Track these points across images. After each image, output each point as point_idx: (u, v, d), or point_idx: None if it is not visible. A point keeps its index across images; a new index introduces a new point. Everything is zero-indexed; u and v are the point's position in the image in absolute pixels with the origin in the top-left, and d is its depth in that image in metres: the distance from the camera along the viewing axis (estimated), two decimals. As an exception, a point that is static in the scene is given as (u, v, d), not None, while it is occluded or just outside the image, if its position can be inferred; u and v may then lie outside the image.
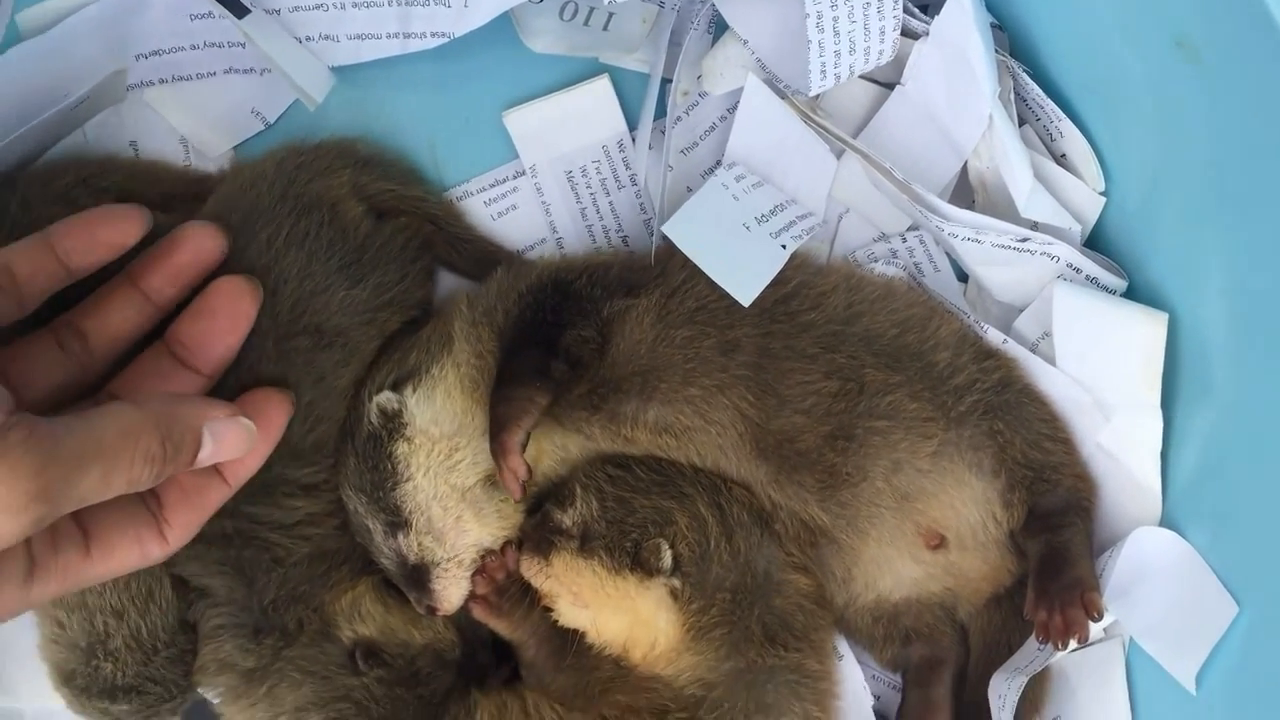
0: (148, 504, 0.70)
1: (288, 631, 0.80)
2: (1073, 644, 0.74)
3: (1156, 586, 0.78)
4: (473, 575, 0.82)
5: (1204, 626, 0.76)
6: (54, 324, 0.71)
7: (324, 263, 0.81)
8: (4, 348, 0.71)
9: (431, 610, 0.82)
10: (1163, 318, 0.78)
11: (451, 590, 0.81)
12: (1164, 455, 0.80)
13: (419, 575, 0.81)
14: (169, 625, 0.80)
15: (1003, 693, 0.78)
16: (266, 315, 0.78)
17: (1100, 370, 0.80)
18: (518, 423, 0.75)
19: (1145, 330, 0.78)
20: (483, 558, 0.82)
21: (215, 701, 0.83)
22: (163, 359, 0.73)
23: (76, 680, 0.80)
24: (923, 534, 0.80)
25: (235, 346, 0.74)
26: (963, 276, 0.89)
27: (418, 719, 0.81)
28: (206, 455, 0.67)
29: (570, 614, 0.82)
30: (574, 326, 0.78)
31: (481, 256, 0.89)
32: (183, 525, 0.71)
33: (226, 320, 0.73)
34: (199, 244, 0.74)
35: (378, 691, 0.80)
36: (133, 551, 0.69)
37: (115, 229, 0.70)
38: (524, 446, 0.76)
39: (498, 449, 0.76)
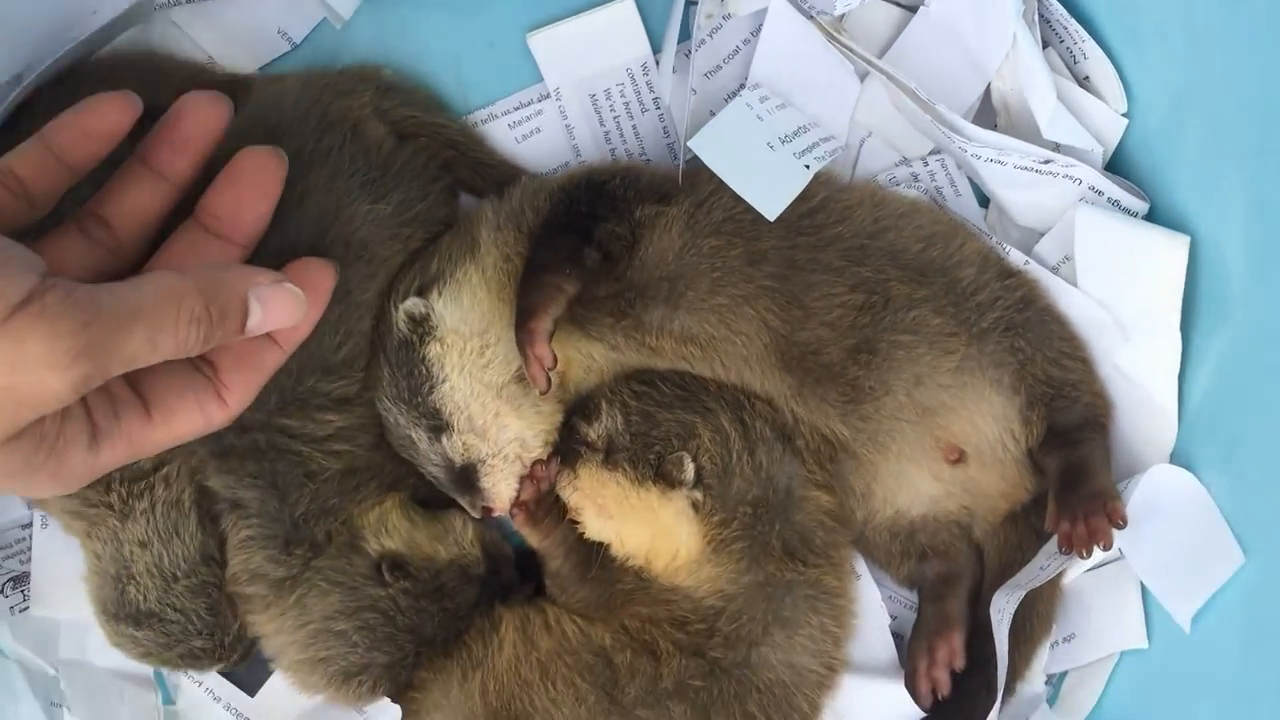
0: (203, 370, 0.69)
1: (316, 543, 0.81)
2: (1097, 552, 0.75)
3: (1165, 526, 0.80)
4: (521, 480, 0.82)
5: (1208, 571, 0.77)
6: (76, 215, 0.71)
7: (347, 179, 0.82)
8: (29, 241, 0.71)
9: (486, 511, 0.82)
10: (1184, 240, 0.78)
11: (501, 486, 0.82)
12: (1180, 377, 0.81)
13: (467, 476, 0.81)
14: (190, 557, 0.81)
15: (1001, 607, 0.79)
16: (294, 227, 0.79)
17: (1121, 293, 0.81)
18: (545, 310, 0.76)
19: (1166, 253, 0.79)
20: (532, 465, 0.82)
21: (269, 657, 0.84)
22: (195, 232, 0.72)
23: (108, 607, 0.82)
24: (942, 449, 0.81)
25: (266, 215, 0.73)
26: (984, 201, 0.90)
27: (442, 630, 0.83)
28: (256, 323, 0.67)
29: (595, 526, 0.83)
30: (608, 221, 0.79)
31: (504, 180, 0.90)
32: (241, 388, 0.70)
33: (254, 189, 0.72)
34: (200, 112, 0.73)
35: (403, 603, 0.81)
36: (194, 415, 0.69)
37: (103, 118, 0.69)
38: (551, 335, 0.76)
39: (524, 337, 0.76)
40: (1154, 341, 0.80)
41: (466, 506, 0.83)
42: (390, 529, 0.83)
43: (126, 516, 0.80)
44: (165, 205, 0.73)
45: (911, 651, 0.85)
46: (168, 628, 0.82)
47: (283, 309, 0.68)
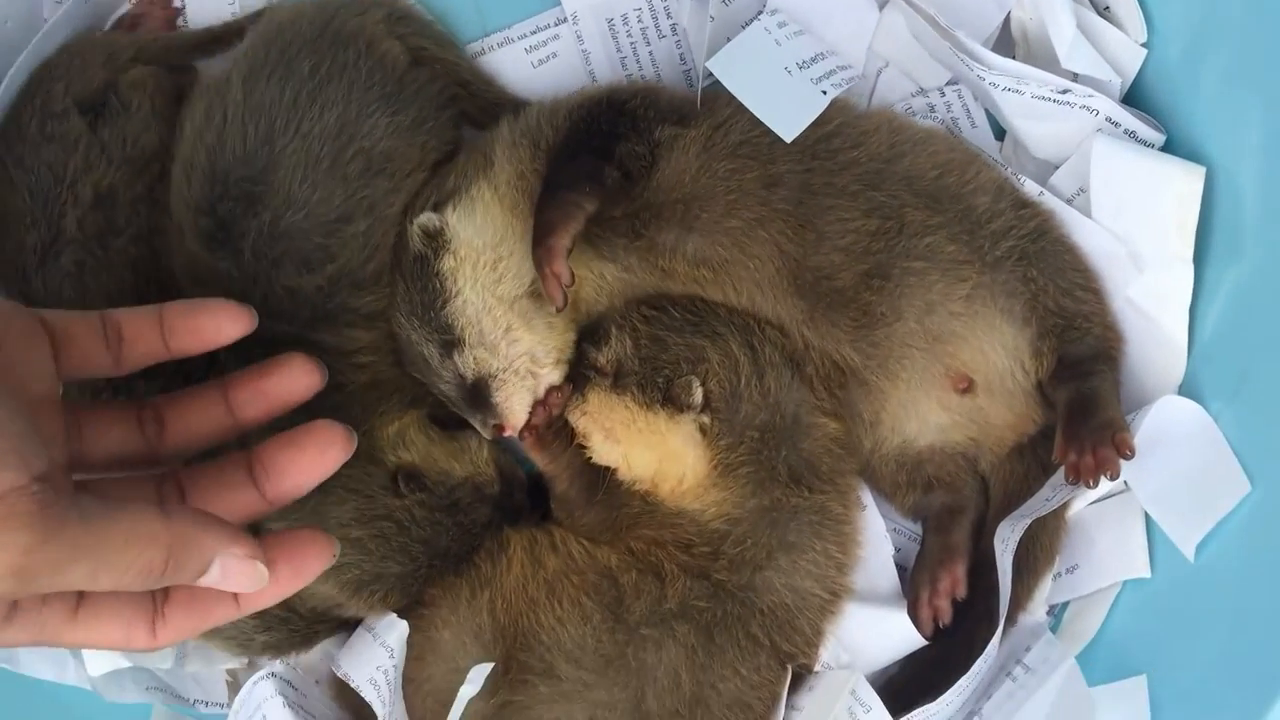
0: (153, 593, 0.65)
1: None
2: (1103, 483, 0.75)
3: (1171, 456, 0.80)
4: (534, 404, 0.83)
5: (1213, 499, 0.77)
6: (141, 402, 0.70)
7: (365, 91, 0.82)
8: (90, 402, 0.72)
9: (498, 430, 0.83)
10: (1200, 171, 0.78)
11: (513, 402, 0.82)
12: (1191, 310, 0.81)
13: (479, 392, 0.82)
14: None
15: (1005, 537, 0.80)
16: (316, 141, 0.80)
17: (1135, 223, 0.81)
18: (565, 227, 0.76)
19: (1181, 184, 0.79)
20: (546, 391, 0.83)
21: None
22: (239, 471, 0.70)
23: None
24: (951, 377, 0.81)
25: (308, 486, 0.70)
26: (999, 134, 0.90)
27: (456, 544, 0.83)
28: (211, 581, 0.63)
29: (603, 450, 0.83)
30: (628, 140, 0.79)
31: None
32: (176, 628, 0.66)
33: (312, 459, 0.69)
34: (295, 374, 0.71)
35: (419, 514, 0.82)
36: (117, 633, 0.64)
37: (215, 324, 0.69)
38: (569, 253, 0.76)
39: (542, 253, 0.76)
40: (1166, 273, 0.80)
41: (478, 426, 0.84)
42: (409, 443, 0.84)
43: None
44: (222, 437, 0.71)
45: (914, 581, 0.86)
46: (222, 633, 0.83)
47: (240, 581, 0.64)
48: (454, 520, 0.83)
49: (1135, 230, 0.81)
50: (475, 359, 0.81)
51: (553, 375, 0.83)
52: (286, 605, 0.82)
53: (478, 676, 0.75)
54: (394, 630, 0.81)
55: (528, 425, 0.83)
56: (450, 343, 0.81)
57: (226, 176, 0.80)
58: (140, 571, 0.59)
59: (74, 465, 0.66)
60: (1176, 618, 0.79)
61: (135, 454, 0.69)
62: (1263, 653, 0.71)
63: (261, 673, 0.83)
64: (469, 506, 0.84)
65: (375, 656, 0.81)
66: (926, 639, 0.84)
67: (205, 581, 0.62)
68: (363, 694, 0.80)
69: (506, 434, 0.83)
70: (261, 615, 0.82)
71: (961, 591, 0.84)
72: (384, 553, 0.81)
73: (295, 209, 0.79)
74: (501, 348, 0.81)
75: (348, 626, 0.86)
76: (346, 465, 0.77)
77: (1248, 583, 0.75)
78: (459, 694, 0.74)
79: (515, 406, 0.82)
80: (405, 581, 0.82)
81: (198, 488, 0.69)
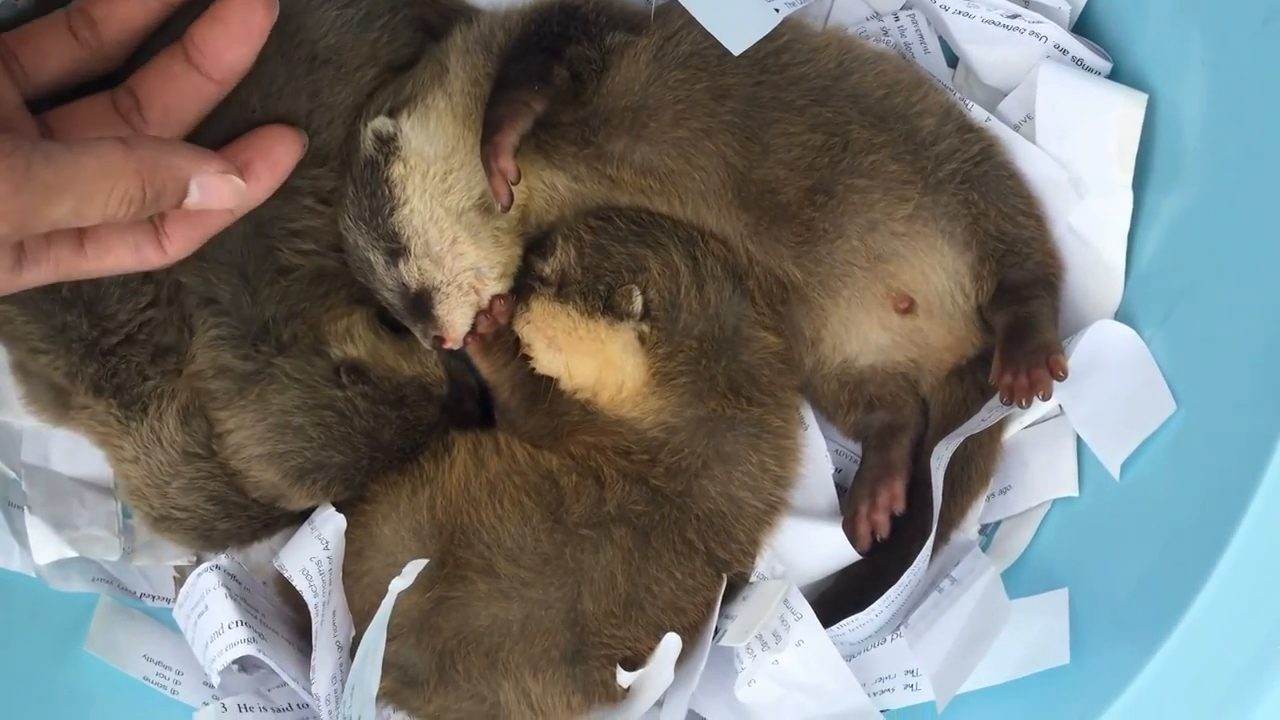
0: (151, 218, 0.70)
1: (282, 343, 0.82)
2: (1038, 405, 0.77)
3: (1104, 379, 0.81)
4: (478, 315, 0.84)
5: (1140, 420, 0.79)
6: (68, 8, 0.71)
7: None
8: (19, 29, 0.72)
9: (438, 341, 0.84)
10: (1142, 98, 0.80)
11: (455, 315, 0.83)
12: (1130, 236, 0.82)
13: (421, 303, 0.83)
14: (173, 460, 0.83)
15: (941, 455, 0.81)
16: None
17: (1078, 148, 0.82)
18: (512, 125, 0.76)
19: (1124, 110, 0.80)
20: (491, 300, 0.84)
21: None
22: (177, 61, 0.73)
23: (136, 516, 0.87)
24: (892, 297, 0.83)
25: (247, 57, 0.74)
26: (952, 61, 0.90)
27: (399, 438, 0.85)
28: (193, 204, 0.68)
29: (545, 358, 0.85)
30: (579, 43, 0.79)
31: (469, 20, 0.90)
32: (182, 240, 0.72)
33: (239, 29, 0.73)
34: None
35: (361, 405, 0.83)
36: (128, 254, 0.71)
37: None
38: (515, 151, 0.77)
39: (489, 150, 0.77)
40: (1106, 199, 0.82)
41: (419, 335, 0.85)
42: (356, 338, 0.85)
43: (124, 435, 0.82)
44: (153, 20, 0.73)
45: (853, 496, 0.87)
46: (182, 524, 0.84)
47: (222, 197, 0.69)
48: (398, 414, 0.84)
49: (1078, 155, 0.82)
50: (420, 269, 0.82)
51: (496, 289, 0.84)
52: (241, 492, 0.84)
53: (411, 570, 0.77)
54: (330, 523, 0.83)
55: (472, 333, 0.84)
56: (395, 251, 0.82)
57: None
58: (121, 201, 0.64)
59: (28, 97, 0.69)
60: (1100, 536, 0.81)
61: (80, 63, 0.72)
62: (1176, 569, 0.72)
63: (206, 564, 0.85)
64: (415, 404, 0.85)
65: (310, 548, 0.82)
66: (862, 554, 0.86)
67: (190, 204, 0.68)
68: (294, 583, 0.82)
69: (447, 345, 0.84)
70: (221, 502, 0.84)
71: (900, 506, 0.85)
72: (325, 440, 0.82)
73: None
74: (447, 260, 0.82)
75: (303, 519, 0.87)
76: (292, 357, 0.80)
77: (1168, 503, 0.76)
78: (390, 585, 0.76)
79: (457, 320, 0.83)
80: (347, 472, 0.83)
81: (145, 88, 0.73)
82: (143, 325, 0.80)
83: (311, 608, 0.81)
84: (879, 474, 0.86)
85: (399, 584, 0.76)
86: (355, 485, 0.84)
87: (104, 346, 0.79)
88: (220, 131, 0.76)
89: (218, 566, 0.85)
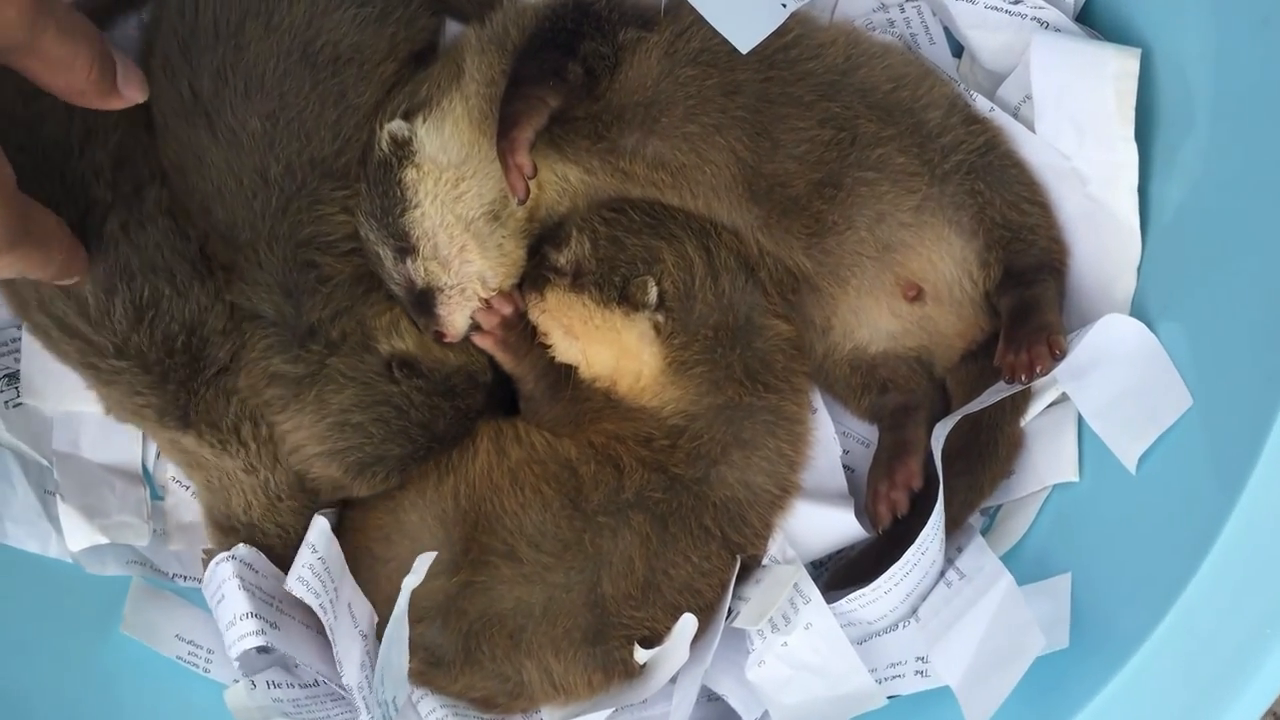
0: None
1: (331, 341, 0.85)
2: (1045, 395, 0.78)
3: (1113, 371, 0.82)
4: (478, 311, 0.86)
5: (1155, 414, 0.79)
6: None
7: None
8: None
9: (438, 335, 0.86)
10: (1135, 52, 0.80)
11: (456, 316, 0.86)
12: (1146, 192, 0.82)
13: (426, 300, 0.85)
14: (291, 481, 0.87)
15: (939, 434, 0.82)
16: (286, 34, 0.82)
17: (1077, 107, 0.82)
18: (528, 120, 0.78)
19: (1119, 64, 0.80)
20: (489, 300, 0.86)
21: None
22: None
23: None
24: (901, 285, 0.85)
25: None
26: (957, 51, 0.92)
27: (453, 428, 0.87)
28: None
29: (563, 347, 0.87)
30: (593, 39, 0.81)
31: (486, 2, 0.91)
32: None
33: None
34: None
35: (416, 399, 0.85)
36: None
37: None
38: (531, 146, 0.78)
39: (506, 146, 0.78)
40: (1111, 153, 0.82)
41: (420, 327, 0.87)
42: (402, 332, 0.87)
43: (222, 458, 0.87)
44: None
45: (871, 477, 0.89)
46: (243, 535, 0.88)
47: None
48: (451, 404, 0.86)
49: (1078, 113, 0.82)
50: (426, 270, 0.85)
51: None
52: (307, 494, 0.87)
53: (421, 566, 0.79)
54: (315, 528, 0.85)
55: (476, 328, 0.87)
56: (404, 249, 0.84)
57: (199, 59, 0.82)
58: None
59: None
60: (1098, 521, 0.83)
61: None
62: (1172, 553, 0.74)
63: (225, 554, 0.86)
64: (464, 392, 0.87)
65: (302, 557, 0.84)
66: (883, 533, 0.87)
67: None
68: (295, 594, 0.83)
69: (446, 340, 0.87)
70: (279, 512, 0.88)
71: (918, 483, 0.86)
72: (384, 435, 0.84)
73: (266, 95, 0.82)
74: (454, 265, 0.85)
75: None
76: (344, 355, 0.83)
77: (1164, 489, 0.78)
78: (403, 584, 0.78)
79: (458, 320, 0.86)
80: (405, 463, 0.86)
81: None
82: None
83: (318, 609, 0.83)
84: (895, 453, 0.87)
85: (411, 581, 0.78)
86: (410, 473, 0.87)
87: (194, 385, 0.84)
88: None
89: (234, 557, 0.86)
